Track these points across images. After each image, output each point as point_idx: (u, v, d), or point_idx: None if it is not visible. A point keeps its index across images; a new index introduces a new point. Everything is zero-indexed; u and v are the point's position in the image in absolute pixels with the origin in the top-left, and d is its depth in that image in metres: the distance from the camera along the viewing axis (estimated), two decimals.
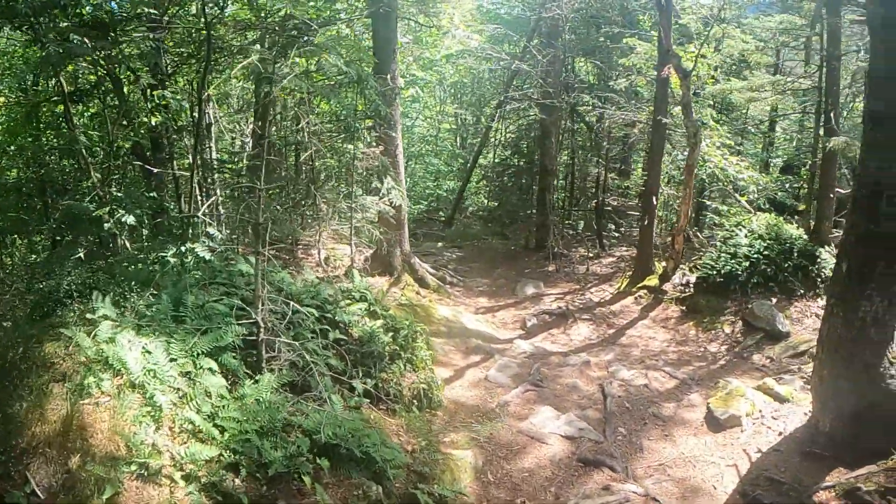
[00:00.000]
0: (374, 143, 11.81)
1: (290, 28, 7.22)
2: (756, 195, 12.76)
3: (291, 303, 5.31)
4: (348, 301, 7.21)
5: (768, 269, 10.04)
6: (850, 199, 5.71)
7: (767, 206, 13.19)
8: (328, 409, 4.74)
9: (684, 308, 10.79)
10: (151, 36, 7.32)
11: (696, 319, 10.32)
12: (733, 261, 10.26)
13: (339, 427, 4.33)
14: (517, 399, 7.49)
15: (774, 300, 9.92)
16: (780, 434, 6.31)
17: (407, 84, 22.66)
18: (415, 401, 6.53)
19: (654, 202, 11.92)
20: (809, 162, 12.58)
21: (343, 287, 7.62)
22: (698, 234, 13.00)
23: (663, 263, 12.61)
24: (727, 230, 11.11)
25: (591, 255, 15.43)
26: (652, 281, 11.94)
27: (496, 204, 21.66)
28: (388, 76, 11.76)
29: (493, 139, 21.19)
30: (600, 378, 8.31)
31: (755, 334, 9.38)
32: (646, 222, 12.07)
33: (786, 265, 10.06)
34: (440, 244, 18.77)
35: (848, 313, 5.61)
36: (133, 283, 4.91)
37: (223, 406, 3.88)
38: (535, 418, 6.88)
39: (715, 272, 10.33)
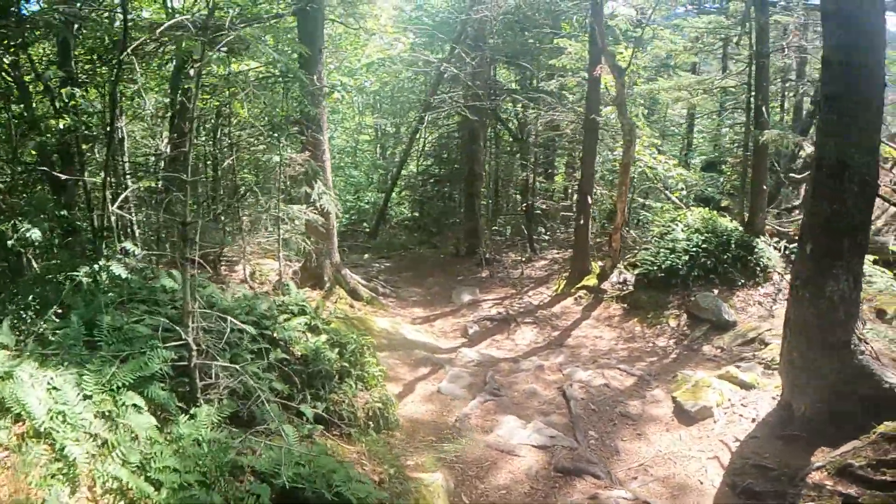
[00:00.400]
0: (301, 148, 11.08)
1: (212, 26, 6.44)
2: (685, 192, 13.02)
3: (229, 318, 4.48)
4: (286, 316, 6.39)
5: (708, 262, 10.12)
6: (810, 182, 5.65)
7: (695, 202, 13.53)
8: (282, 443, 3.96)
9: (626, 305, 10.70)
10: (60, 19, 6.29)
11: (639, 316, 10.23)
12: (673, 255, 10.28)
13: (301, 465, 3.59)
14: (477, 411, 6.93)
15: (716, 291, 9.99)
16: (754, 421, 6.14)
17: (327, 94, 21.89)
18: (371, 422, 5.81)
19: (589, 202, 11.84)
20: (731, 159, 13.07)
21: (279, 301, 6.78)
22: (631, 232, 13.08)
23: (600, 263, 12.56)
24: (663, 226, 11.19)
25: (523, 258, 15.24)
26: (590, 281, 11.81)
27: (418, 213, 21.25)
28: (315, 76, 11.07)
29: (415, 148, 20.77)
30: (557, 381, 7.91)
31: (702, 326, 9.37)
32: (581, 222, 11.95)
33: (725, 257, 10.18)
34: (367, 256, 18.04)
35: (815, 294, 5.52)
36: (36, 304, 3.94)
37: (156, 453, 3.03)
38: (501, 430, 6.35)
39: (655, 268, 10.30)
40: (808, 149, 13.52)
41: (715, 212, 11.58)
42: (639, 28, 11.53)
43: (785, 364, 5.90)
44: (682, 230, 10.89)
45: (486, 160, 15.78)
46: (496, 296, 12.81)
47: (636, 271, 10.79)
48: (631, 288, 11.21)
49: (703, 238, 10.50)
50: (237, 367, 4.64)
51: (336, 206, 12.07)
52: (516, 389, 7.67)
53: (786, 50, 11.58)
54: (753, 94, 11.31)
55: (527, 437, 6.12)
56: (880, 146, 6.46)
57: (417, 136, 19.16)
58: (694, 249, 10.30)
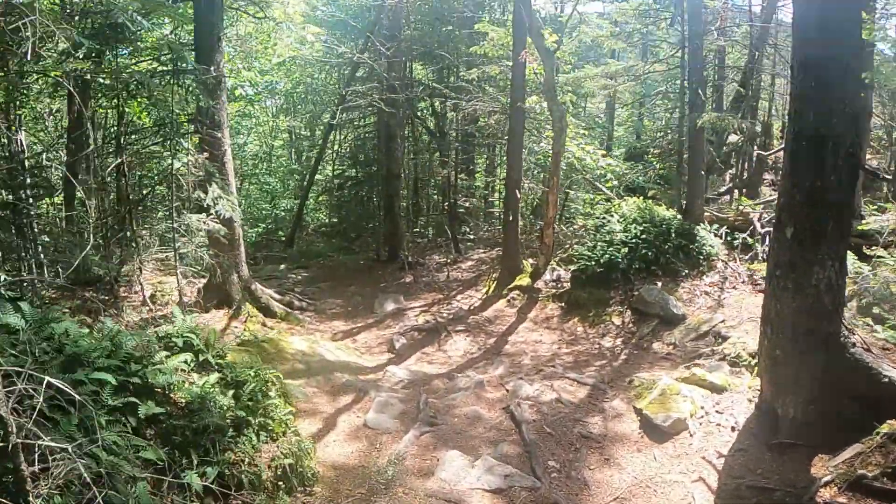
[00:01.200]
0: (198, 149, 9.59)
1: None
2: (616, 183, 12.47)
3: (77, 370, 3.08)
4: (167, 353, 4.96)
5: (649, 253, 9.49)
6: (787, 159, 4.93)
7: (624, 193, 13.01)
8: None
9: (564, 304, 9.90)
10: None
11: (580, 315, 9.44)
12: (611, 248, 9.57)
13: None
14: (412, 448, 5.76)
15: (660, 284, 9.36)
16: (734, 430, 5.37)
17: (237, 98, 20.00)
18: (281, 483, 4.52)
19: (518, 196, 10.97)
20: (656, 149, 12.67)
21: (161, 332, 5.33)
22: (562, 227, 12.36)
23: (532, 261, 11.74)
24: (598, 218, 10.49)
25: (448, 260, 14.23)
26: (523, 280, 10.95)
27: (336, 219, 19.84)
28: (213, 67, 9.60)
29: (330, 150, 19.34)
30: (501, 399, 6.88)
31: (649, 322, 8.69)
32: (510, 218, 11.07)
33: (666, 247, 9.58)
34: (283, 266, 16.46)
35: (799, 283, 4.80)
36: None
37: None
38: (444, 471, 5.22)
39: (593, 263, 9.56)
40: (734, 137, 13.43)
41: (649, 200, 11.06)
42: (562, 14, 10.82)
43: (766, 362, 5.16)
44: (619, 221, 10.25)
45: (404, 159, 14.61)
46: (422, 302, 11.68)
47: (572, 268, 10.02)
48: (567, 286, 10.46)
49: (641, 228, 9.88)
50: (83, 439, 3.26)
51: (237, 212, 10.62)
52: (456, 414, 6.56)
53: (716, 34, 11.25)
54: (687, 77, 10.87)
55: (477, 479, 5.02)
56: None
57: (332, 136, 17.73)
58: (633, 241, 9.65)
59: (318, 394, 7.01)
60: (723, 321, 8.27)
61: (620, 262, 9.43)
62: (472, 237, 15.53)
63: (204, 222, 9.07)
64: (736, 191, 13.76)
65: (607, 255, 9.47)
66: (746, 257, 10.06)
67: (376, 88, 14.07)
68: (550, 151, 10.79)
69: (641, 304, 8.83)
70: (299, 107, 22.60)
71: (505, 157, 12.14)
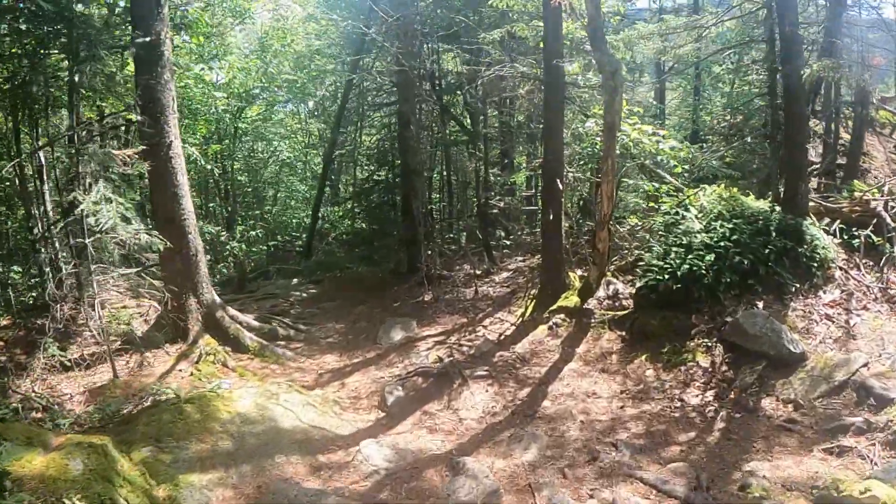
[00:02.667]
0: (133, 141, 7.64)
1: None
2: (686, 169, 9.54)
3: None
4: None
5: (744, 261, 6.61)
6: None
7: (693, 183, 10.01)
8: None
9: (625, 334, 7.13)
10: None
11: (649, 351, 6.66)
12: (691, 256, 6.74)
13: None
14: None
15: (761, 304, 6.50)
16: None
17: (252, 99, 18.17)
18: None
19: (559, 187, 8.25)
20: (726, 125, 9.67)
21: None
22: (618, 226, 9.49)
23: (580, 272, 9.00)
24: (669, 214, 7.67)
25: (478, 272, 11.63)
26: (569, 299, 8.20)
27: (364, 225, 17.56)
28: (150, 38, 7.54)
29: (353, 149, 17.17)
30: None
31: (752, 363, 5.85)
32: (550, 216, 8.36)
33: (766, 251, 6.69)
34: (295, 280, 14.33)
35: None
36: None
37: None
38: None
39: (667, 276, 6.74)
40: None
41: (734, 189, 8.15)
42: None
43: None
44: (698, 217, 7.40)
45: (424, 150, 12.08)
46: (440, 329, 9.11)
47: (638, 284, 7.21)
48: (629, 304, 7.71)
49: (730, 227, 7.01)
50: None
51: (192, 223, 8.43)
52: None
53: None
54: (776, 17, 7.92)
55: None
56: None
57: (354, 133, 15.48)
58: (720, 244, 6.79)
59: (229, 501, 4.51)
60: (865, 365, 5.40)
61: (705, 274, 6.59)
62: (508, 243, 12.83)
63: (135, 237, 6.92)
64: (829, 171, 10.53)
65: (686, 265, 6.65)
66: (874, 264, 7.12)
67: (386, 68, 11.65)
68: (599, 130, 8.03)
69: (739, 337, 5.99)
70: (326, 107, 20.58)
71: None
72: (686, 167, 9.84)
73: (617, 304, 8.07)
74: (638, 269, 7.55)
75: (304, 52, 16.45)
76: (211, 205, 20.08)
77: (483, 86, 10.88)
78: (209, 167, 17.00)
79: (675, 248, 6.95)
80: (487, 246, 12.19)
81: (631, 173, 9.57)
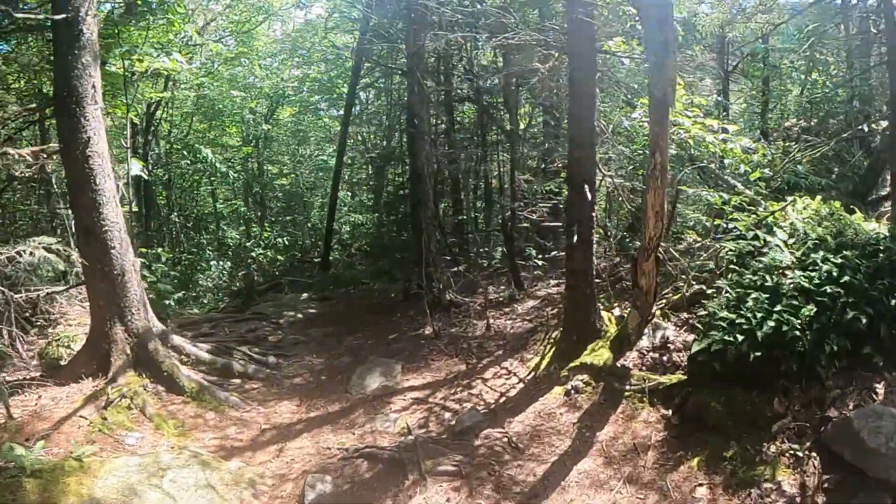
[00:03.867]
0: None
1: None
2: (763, 178, 7.04)
3: None
4: None
5: (860, 318, 4.22)
6: None
7: (771, 194, 7.46)
8: None
9: (673, 416, 4.83)
10: None
11: (704, 450, 4.35)
12: (779, 306, 4.39)
13: None
14: None
15: (881, 389, 4.11)
16: None
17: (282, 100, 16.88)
18: None
19: (589, 196, 6.01)
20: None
21: None
22: (671, 250, 7.06)
23: (617, 311, 6.71)
24: (745, 238, 5.31)
25: (501, 298, 9.50)
26: (599, 352, 5.93)
27: (386, 234, 15.74)
28: (67, 14, 5.95)
29: (362, 149, 15.38)
30: None
31: (871, 499, 3.47)
32: (576, 238, 6.11)
33: (892, 303, 4.27)
34: (305, 295, 12.68)
35: None
36: None
37: None
38: None
39: (740, 336, 4.40)
40: None
41: (836, 203, 5.70)
42: None
43: None
44: (788, 245, 5.02)
45: (430, 147, 10.02)
46: (429, 379, 7.02)
47: (697, 345, 4.85)
48: (681, 361, 5.41)
49: (836, 262, 4.62)
50: None
51: (120, 229, 6.77)
52: None
53: None
54: None
55: None
56: None
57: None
58: (824, 289, 4.42)
59: None
60: None
61: (799, 336, 4.24)
62: (541, 264, 10.58)
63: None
64: None
65: (771, 322, 4.31)
66: None
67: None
68: (645, 118, 5.75)
69: (850, 447, 3.66)
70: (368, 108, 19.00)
71: None
72: (765, 172, 7.35)
73: (665, 359, 5.76)
74: (698, 318, 5.24)
75: (327, 48, 14.88)
76: (241, 208, 18.88)
77: (511, 75, 8.74)
78: (224, 169, 15.61)
79: (753, 293, 4.61)
80: (514, 267, 10.00)
81: (690, 181, 7.14)
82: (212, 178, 17.87)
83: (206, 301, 13.81)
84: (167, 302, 9.98)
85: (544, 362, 6.44)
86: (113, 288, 6.69)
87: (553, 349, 6.57)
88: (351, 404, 6.60)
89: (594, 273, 6.25)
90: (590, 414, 5.23)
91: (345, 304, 11.66)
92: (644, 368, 5.62)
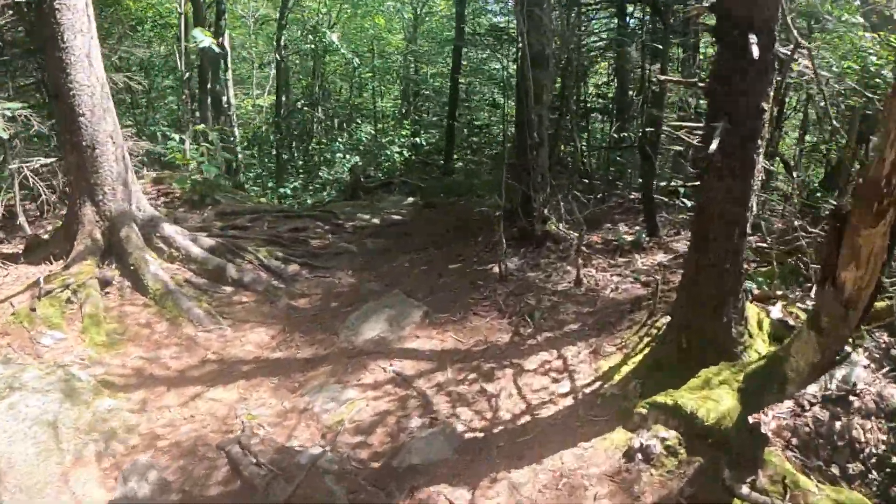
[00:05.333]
0: None
1: None
2: None
3: None
4: None
5: None
6: None
7: None
8: None
9: None
10: None
11: None
12: None
13: None
14: None
15: None
16: None
17: None
18: None
19: (761, 60, 2.92)
20: None
21: None
22: None
23: (778, 306, 3.67)
24: None
25: (620, 242, 6.63)
26: (716, 394, 3.06)
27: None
28: None
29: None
30: None
31: None
32: (716, 147, 3.07)
33: None
34: (411, 199, 11.11)
35: None
36: None
37: None
38: None
39: None
40: None
41: None
42: None
43: None
44: None
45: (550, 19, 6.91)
46: (449, 343, 4.65)
47: None
48: (871, 468, 2.45)
49: None
50: None
51: (91, 104, 5.19)
52: None
53: None
54: None
55: None
56: None
57: None
58: None
59: None
60: None
61: None
62: (687, 203, 7.35)
63: None
64: None
65: None
66: None
67: None
68: None
69: None
70: None
71: None
72: None
73: (840, 428, 2.82)
74: None
75: None
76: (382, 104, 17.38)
77: None
78: (348, 55, 13.67)
79: None
80: (649, 200, 6.95)
81: None
82: (358, 71, 16.50)
83: (325, 194, 12.67)
84: (249, 186, 8.71)
85: (624, 369, 3.73)
86: (82, 161, 5.23)
87: (646, 349, 3.81)
88: (326, 354, 4.57)
89: (746, 230, 3.24)
90: None
91: (442, 215, 9.48)
92: (794, 446, 2.72)
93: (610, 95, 10.77)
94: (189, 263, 5.85)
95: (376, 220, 8.94)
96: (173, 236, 5.94)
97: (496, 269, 6.09)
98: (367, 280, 6.32)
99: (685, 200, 7.58)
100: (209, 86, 11.28)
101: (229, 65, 14.12)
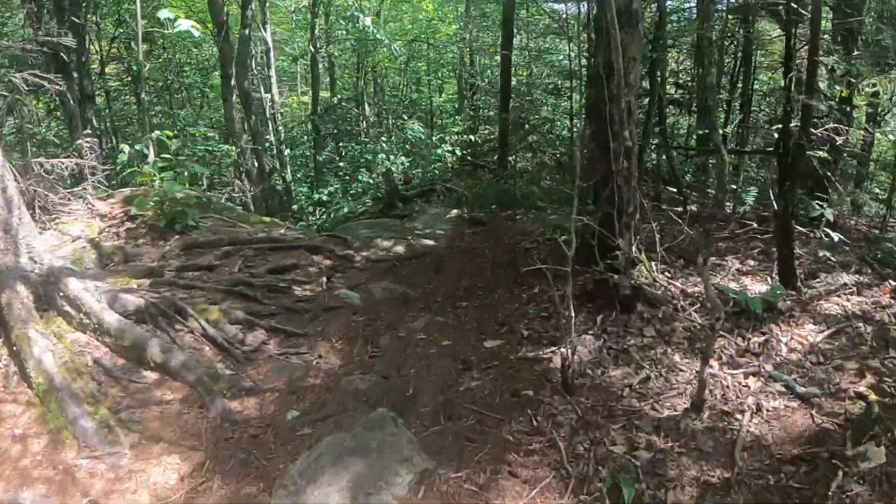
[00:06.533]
0: None
1: None
2: None
3: None
4: None
5: None
6: None
7: None
8: None
9: None
10: None
11: None
12: None
13: None
14: None
15: None
16: None
17: None
18: None
19: None
20: None
21: None
22: None
23: None
24: None
25: (754, 305, 4.23)
26: None
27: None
28: None
29: None
30: None
31: None
32: None
33: None
34: (455, 212, 9.22)
35: None
36: None
37: None
38: None
39: None
40: None
41: None
42: None
43: None
44: None
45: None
46: None
47: None
48: None
49: None
50: None
51: None
52: None
53: None
54: None
55: None
56: None
57: None
58: None
59: None
60: None
61: None
62: (834, 236, 4.87)
63: None
64: None
65: None
66: None
67: None
68: None
69: None
70: None
71: None
72: None
73: None
74: None
75: None
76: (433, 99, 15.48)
77: None
78: (385, 41, 11.65)
79: None
80: (786, 231, 4.53)
81: None
82: (409, 65, 14.68)
83: (367, 200, 10.98)
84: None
85: None
86: None
87: None
88: None
89: None
90: None
91: (488, 240, 7.26)
92: None
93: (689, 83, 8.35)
94: (102, 335, 3.98)
95: (400, 249, 6.82)
96: (81, 297, 4.06)
97: (556, 361, 3.86)
98: (356, 363, 4.22)
99: (829, 232, 5.15)
100: (232, 82, 9.57)
101: (272, 62, 12.57)
